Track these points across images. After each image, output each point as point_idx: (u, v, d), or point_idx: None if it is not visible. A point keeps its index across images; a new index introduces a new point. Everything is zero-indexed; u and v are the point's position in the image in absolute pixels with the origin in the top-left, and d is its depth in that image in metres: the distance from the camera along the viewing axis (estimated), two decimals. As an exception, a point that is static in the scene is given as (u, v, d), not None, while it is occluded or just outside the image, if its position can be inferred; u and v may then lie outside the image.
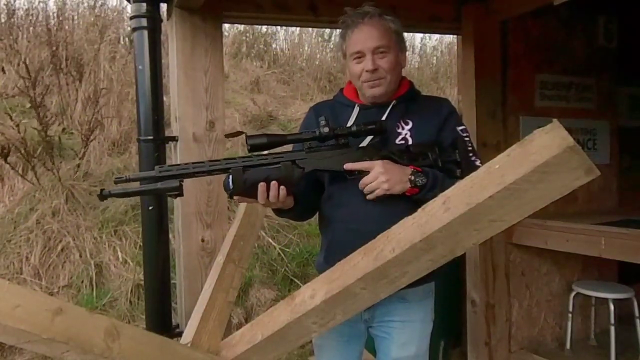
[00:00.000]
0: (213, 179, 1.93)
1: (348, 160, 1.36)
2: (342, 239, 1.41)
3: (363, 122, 1.38)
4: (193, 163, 1.26)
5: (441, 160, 1.39)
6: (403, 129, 1.44)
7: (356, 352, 1.58)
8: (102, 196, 1.20)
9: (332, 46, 7.11)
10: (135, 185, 1.28)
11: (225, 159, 1.29)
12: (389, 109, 1.45)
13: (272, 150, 1.33)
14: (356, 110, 1.47)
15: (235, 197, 1.30)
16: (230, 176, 1.25)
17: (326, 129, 1.34)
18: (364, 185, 1.34)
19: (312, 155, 1.35)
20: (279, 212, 1.42)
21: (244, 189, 1.25)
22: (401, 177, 1.32)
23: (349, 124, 1.44)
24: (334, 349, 1.56)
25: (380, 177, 1.31)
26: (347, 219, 1.42)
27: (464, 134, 1.47)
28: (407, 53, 1.52)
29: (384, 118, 1.43)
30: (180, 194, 1.22)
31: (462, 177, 1.21)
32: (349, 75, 1.49)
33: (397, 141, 1.43)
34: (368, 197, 1.34)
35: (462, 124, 1.50)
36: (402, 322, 1.49)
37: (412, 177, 1.32)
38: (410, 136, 1.43)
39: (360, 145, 1.40)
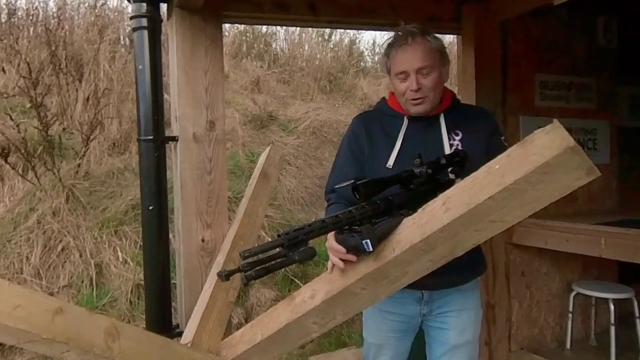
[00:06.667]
0: (213, 179, 1.94)
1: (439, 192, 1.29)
2: None
3: (449, 155, 1.41)
4: (317, 223, 1.17)
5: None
6: (454, 140, 1.52)
7: (409, 345, 1.68)
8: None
9: (332, 46, 7.10)
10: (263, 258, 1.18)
11: (344, 214, 1.19)
12: (439, 121, 1.52)
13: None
14: (405, 122, 1.54)
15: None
16: (369, 239, 1.16)
17: (423, 168, 1.31)
18: None
19: (412, 194, 1.31)
20: None
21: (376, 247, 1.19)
22: None
23: (400, 136, 1.50)
24: (393, 346, 1.64)
25: None
26: None
27: (505, 143, 1.53)
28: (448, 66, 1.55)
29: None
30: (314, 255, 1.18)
31: None
32: (393, 90, 1.56)
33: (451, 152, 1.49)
34: None
35: (503, 133, 1.60)
36: (458, 310, 1.57)
37: None
38: (462, 147, 1.50)
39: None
